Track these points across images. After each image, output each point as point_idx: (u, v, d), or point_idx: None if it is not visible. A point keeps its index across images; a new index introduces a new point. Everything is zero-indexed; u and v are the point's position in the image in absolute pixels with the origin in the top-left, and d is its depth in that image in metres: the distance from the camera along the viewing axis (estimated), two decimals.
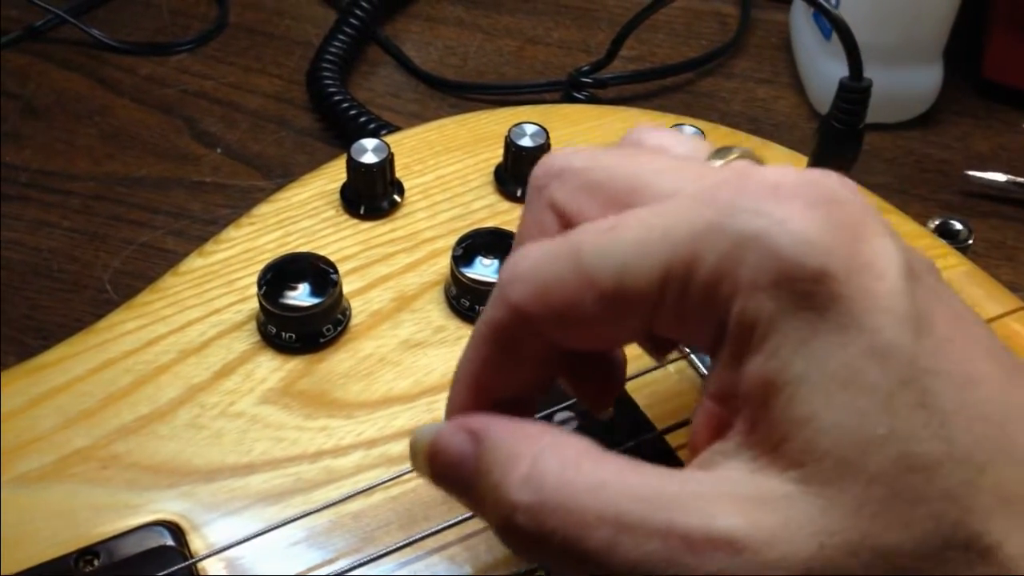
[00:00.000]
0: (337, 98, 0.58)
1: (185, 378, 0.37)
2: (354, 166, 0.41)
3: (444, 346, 0.38)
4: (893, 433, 0.21)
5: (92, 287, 0.50)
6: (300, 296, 0.37)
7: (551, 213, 0.26)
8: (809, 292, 0.22)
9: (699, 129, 0.43)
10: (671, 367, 0.37)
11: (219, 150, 0.58)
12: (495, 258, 0.39)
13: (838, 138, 0.41)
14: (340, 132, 0.58)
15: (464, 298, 0.39)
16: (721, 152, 0.26)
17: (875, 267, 0.22)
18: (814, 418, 0.21)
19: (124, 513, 0.33)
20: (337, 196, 0.43)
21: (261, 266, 0.38)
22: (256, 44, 0.65)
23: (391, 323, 0.39)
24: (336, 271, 0.38)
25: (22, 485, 0.33)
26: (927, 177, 0.58)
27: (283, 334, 0.37)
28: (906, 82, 0.59)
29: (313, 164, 0.46)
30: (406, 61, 0.64)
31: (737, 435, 0.23)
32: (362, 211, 0.42)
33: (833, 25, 0.39)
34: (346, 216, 0.42)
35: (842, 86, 0.40)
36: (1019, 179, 0.56)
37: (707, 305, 0.23)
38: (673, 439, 0.34)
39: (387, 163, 0.42)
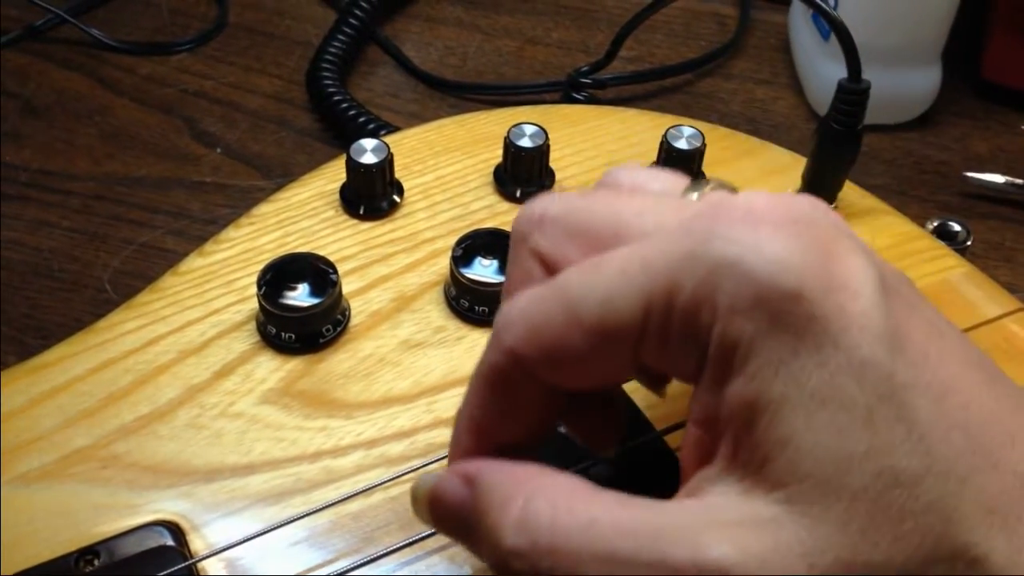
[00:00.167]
0: (337, 98, 0.58)
1: (185, 378, 0.37)
2: (353, 166, 0.42)
3: (444, 346, 0.38)
4: (873, 449, 0.21)
5: (92, 287, 0.50)
6: (300, 296, 0.37)
7: (536, 262, 0.27)
8: (785, 313, 0.22)
9: (698, 130, 0.43)
10: None
11: (219, 150, 0.58)
12: (494, 258, 0.39)
13: (837, 139, 0.41)
14: (340, 132, 0.58)
15: (463, 298, 0.39)
16: (696, 185, 0.27)
17: (849, 285, 0.22)
18: (795, 437, 0.22)
19: (124, 513, 0.33)
20: (337, 196, 0.43)
21: (261, 266, 0.38)
22: (256, 44, 0.65)
23: (391, 323, 0.39)
24: (335, 271, 0.38)
25: (22, 485, 0.33)
26: (926, 178, 0.58)
27: (283, 334, 0.37)
28: (905, 83, 0.59)
29: (313, 164, 0.46)
30: (405, 61, 0.64)
31: (721, 459, 0.23)
32: (361, 211, 0.42)
33: (832, 26, 0.39)
34: (345, 216, 0.42)
35: (841, 87, 0.40)
36: (1018, 180, 0.56)
37: (688, 332, 0.23)
38: (673, 439, 0.34)
39: (386, 163, 0.42)
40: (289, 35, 0.66)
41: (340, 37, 0.62)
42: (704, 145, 0.43)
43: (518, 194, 0.43)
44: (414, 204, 0.43)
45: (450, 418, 0.36)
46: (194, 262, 0.41)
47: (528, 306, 0.25)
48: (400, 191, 0.43)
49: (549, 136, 0.43)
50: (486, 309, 0.38)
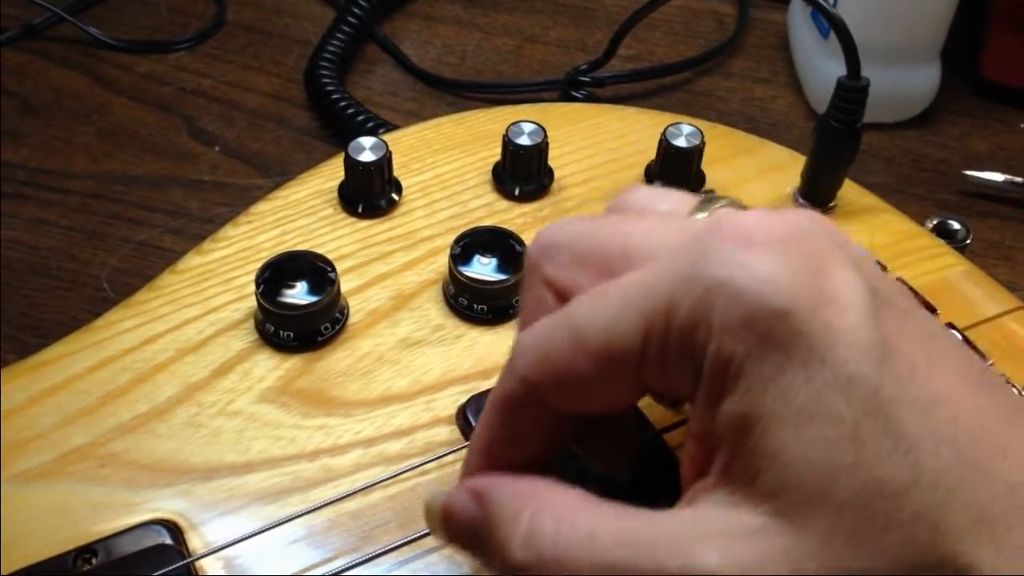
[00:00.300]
0: (335, 96, 0.58)
1: (183, 376, 0.37)
2: (352, 164, 0.41)
3: (442, 344, 0.38)
4: (860, 462, 0.22)
5: (90, 285, 0.50)
6: (298, 294, 0.37)
7: (548, 290, 0.27)
8: (774, 331, 0.23)
9: (697, 128, 0.43)
10: None
11: (217, 148, 0.58)
12: (493, 257, 0.39)
13: (836, 137, 0.41)
14: (338, 130, 0.58)
15: (462, 296, 0.39)
16: (705, 204, 0.27)
17: (837, 301, 0.23)
18: (784, 452, 0.22)
19: (122, 511, 0.33)
20: (335, 194, 0.43)
21: (259, 264, 0.38)
22: (254, 42, 0.65)
23: (389, 321, 0.39)
24: (334, 269, 0.38)
25: (20, 483, 0.33)
26: (925, 177, 0.58)
27: (281, 332, 0.37)
28: (904, 81, 0.59)
29: (311, 162, 0.46)
30: (404, 59, 0.64)
31: (715, 473, 0.24)
32: (360, 209, 0.42)
33: (831, 24, 0.39)
34: (344, 214, 0.42)
35: (840, 85, 0.40)
36: (1017, 179, 0.56)
37: (685, 352, 0.24)
38: (671, 438, 0.34)
39: (385, 161, 0.42)
40: (287, 33, 0.66)
41: (338, 35, 0.62)
42: (703, 143, 0.43)
43: (516, 192, 0.43)
44: (413, 202, 0.43)
45: (449, 416, 0.36)
46: (192, 260, 0.41)
47: (539, 335, 0.26)
48: (398, 189, 0.43)
49: (548, 134, 0.43)
50: (485, 307, 0.38)
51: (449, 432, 0.35)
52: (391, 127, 0.54)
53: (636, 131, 0.47)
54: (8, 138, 0.57)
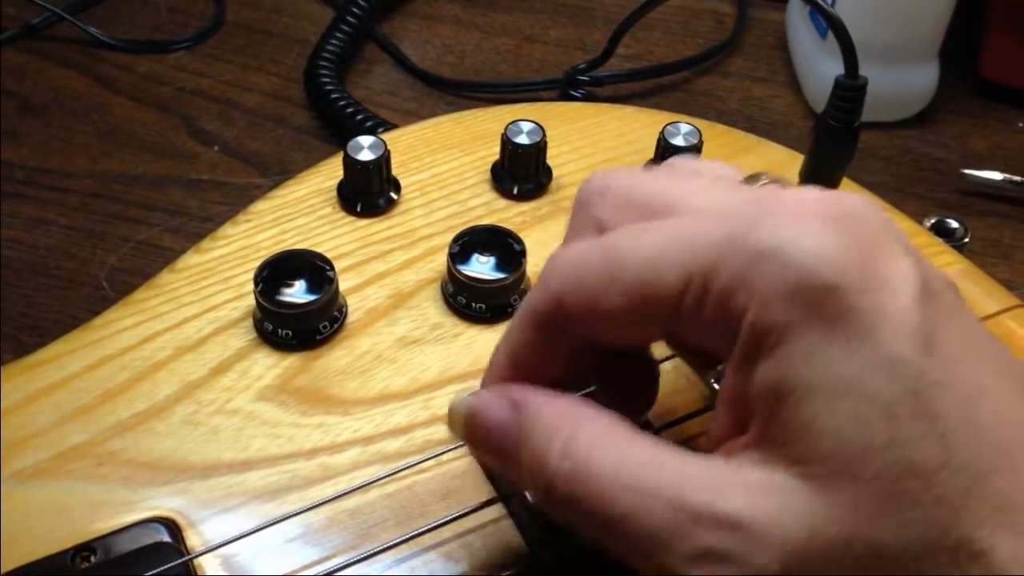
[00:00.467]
0: (334, 96, 0.58)
1: (181, 375, 0.37)
2: (350, 163, 0.42)
3: (441, 343, 0.38)
4: (892, 440, 0.22)
5: (89, 284, 0.50)
6: (296, 293, 0.37)
7: (593, 228, 0.28)
8: (821, 304, 0.23)
9: (695, 127, 0.43)
10: (667, 364, 0.37)
11: (216, 148, 0.58)
12: (491, 255, 0.39)
13: (834, 136, 0.41)
14: (337, 130, 0.58)
15: (461, 295, 0.39)
16: (753, 178, 0.28)
17: (889, 284, 0.23)
18: (816, 423, 0.23)
19: (120, 510, 0.33)
20: (334, 193, 0.43)
21: (258, 263, 0.38)
22: (254, 42, 0.65)
23: (388, 320, 0.39)
24: (332, 268, 0.38)
25: (19, 481, 0.33)
26: (923, 176, 0.58)
27: (279, 331, 0.37)
28: (902, 80, 0.59)
29: (310, 161, 0.46)
30: (403, 59, 0.64)
31: (750, 436, 0.24)
32: (359, 208, 0.42)
33: (829, 23, 0.39)
34: (343, 213, 0.42)
35: (838, 84, 0.40)
36: (1015, 178, 0.56)
37: (721, 313, 0.24)
38: (669, 436, 0.34)
39: (383, 160, 0.42)
40: (287, 33, 0.66)
41: (338, 35, 0.62)
42: (701, 142, 0.43)
43: (515, 191, 0.43)
44: (411, 201, 0.43)
45: (447, 415, 0.36)
46: (191, 259, 0.41)
47: (575, 256, 0.27)
48: (397, 188, 0.43)
49: (546, 133, 0.43)
50: (483, 306, 0.38)
51: (447, 430, 0.35)
52: (390, 126, 0.54)
53: (635, 130, 0.47)
54: (7, 137, 0.57)
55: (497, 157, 0.44)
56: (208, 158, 0.57)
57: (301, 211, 0.42)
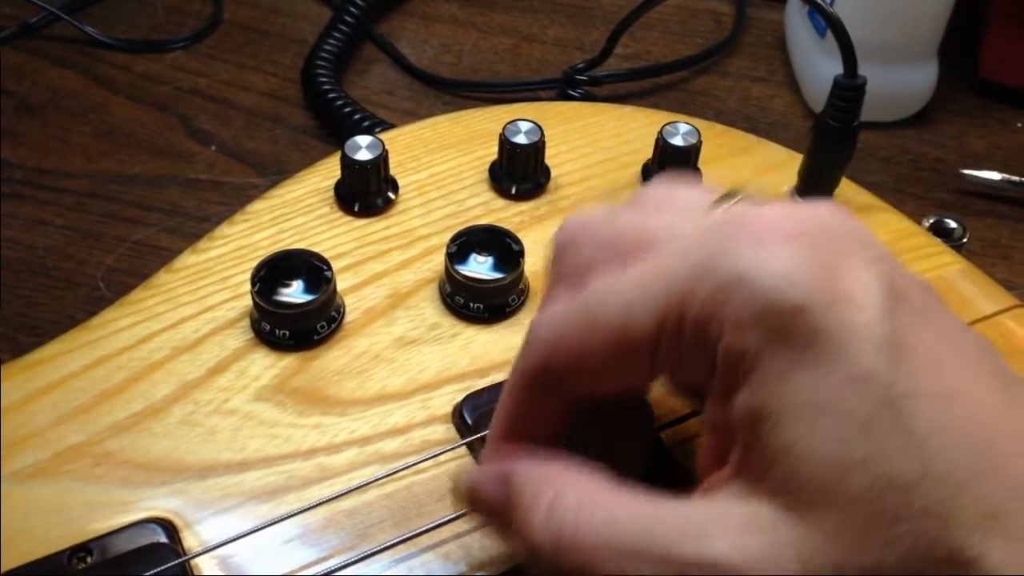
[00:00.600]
0: (332, 95, 0.58)
1: (179, 375, 0.37)
2: (348, 163, 0.41)
3: (438, 343, 0.38)
4: (870, 457, 0.22)
5: (86, 284, 0.50)
6: (294, 293, 0.37)
7: (571, 274, 0.28)
8: (789, 326, 0.23)
9: (694, 127, 0.43)
10: None
11: (214, 147, 0.58)
12: (489, 255, 0.39)
13: (833, 136, 0.41)
14: (334, 129, 0.58)
15: (458, 295, 0.39)
16: (724, 198, 0.28)
17: (853, 299, 0.23)
18: (796, 446, 0.23)
19: (117, 510, 0.33)
20: (331, 193, 0.43)
21: (255, 263, 0.38)
22: (251, 41, 0.65)
23: (385, 320, 0.39)
24: (330, 268, 0.38)
25: (16, 481, 0.33)
26: (922, 176, 0.58)
27: (277, 331, 0.37)
28: (901, 80, 0.59)
29: (307, 161, 0.46)
30: (401, 59, 0.64)
31: (732, 465, 0.24)
32: (356, 208, 0.42)
33: (828, 23, 0.39)
34: (340, 213, 0.42)
35: (837, 84, 0.40)
36: (1014, 178, 0.56)
37: (699, 344, 0.24)
38: (670, 436, 0.34)
39: (381, 160, 0.42)
40: (284, 32, 0.66)
41: (335, 35, 0.62)
42: (700, 142, 0.43)
43: (513, 191, 0.43)
44: (409, 201, 0.43)
45: (445, 415, 0.36)
46: (188, 259, 0.41)
47: (555, 317, 0.27)
48: (395, 188, 0.43)
49: (544, 133, 0.43)
50: (481, 306, 0.38)
51: (445, 430, 0.35)
52: (388, 126, 0.54)
53: (633, 130, 0.47)
54: (5, 137, 0.57)
55: (495, 157, 0.44)
56: (205, 158, 0.57)
57: (298, 211, 0.42)
